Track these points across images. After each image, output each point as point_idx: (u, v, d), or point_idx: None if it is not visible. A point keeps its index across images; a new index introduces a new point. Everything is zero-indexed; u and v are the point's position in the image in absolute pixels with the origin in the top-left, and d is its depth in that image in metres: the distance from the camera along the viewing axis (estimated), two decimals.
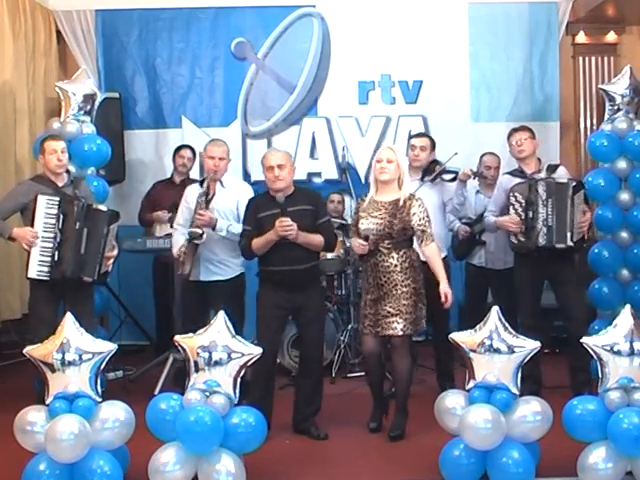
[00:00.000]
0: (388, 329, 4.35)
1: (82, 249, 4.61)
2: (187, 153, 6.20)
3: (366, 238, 4.34)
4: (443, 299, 4.35)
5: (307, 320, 4.48)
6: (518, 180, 4.94)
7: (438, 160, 5.17)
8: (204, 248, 4.75)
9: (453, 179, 5.13)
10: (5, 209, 4.73)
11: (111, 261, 4.80)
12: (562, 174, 4.99)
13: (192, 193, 4.87)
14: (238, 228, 4.63)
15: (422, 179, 5.09)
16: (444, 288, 4.36)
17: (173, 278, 5.32)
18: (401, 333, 4.34)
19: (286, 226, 4.25)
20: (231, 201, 4.79)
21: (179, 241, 4.81)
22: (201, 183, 4.89)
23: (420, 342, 5.48)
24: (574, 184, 4.82)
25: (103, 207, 4.82)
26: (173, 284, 5.36)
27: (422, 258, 4.51)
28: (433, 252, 4.40)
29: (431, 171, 5.10)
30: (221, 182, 4.83)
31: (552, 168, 5.02)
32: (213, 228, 4.67)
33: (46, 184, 4.73)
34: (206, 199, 4.71)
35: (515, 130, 5.13)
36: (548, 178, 4.87)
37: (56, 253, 4.59)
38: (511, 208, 4.85)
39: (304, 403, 4.53)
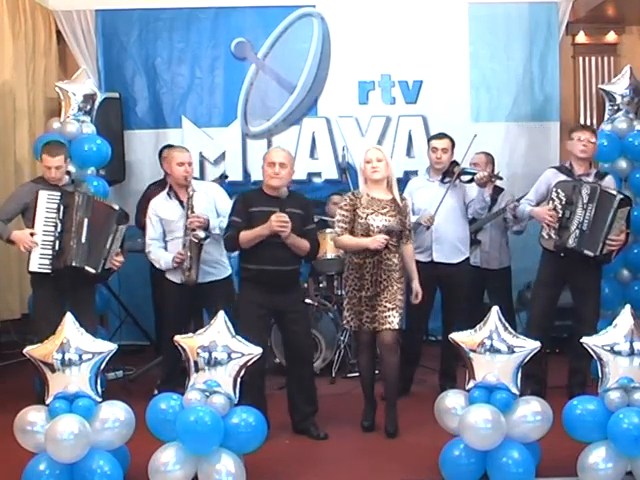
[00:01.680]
0: (385, 323, 4.41)
1: (83, 238, 4.63)
2: None
3: (388, 233, 4.38)
4: (414, 297, 4.62)
5: (292, 322, 4.46)
6: (563, 176, 4.89)
7: (457, 161, 5.13)
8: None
9: (470, 180, 5.10)
10: (8, 211, 4.75)
11: (118, 264, 4.81)
12: (609, 182, 4.92)
13: (161, 204, 4.90)
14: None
15: (442, 180, 5.07)
16: (417, 287, 4.61)
17: None
18: (397, 327, 4.42)
19: (283, 222, 4.24)
20: (207, 200, 4.82)
21: (162, 253, 4.84)
22: (169, 193, 4.89)
23: (422, 342, 5.47)
24: (622, 197, 4.73)
25: (115, 205, 4.86)
26: None
27: (416, 257, 4.72)
28: (411, 252, 4.67)
29: (451, 172, 5.07)
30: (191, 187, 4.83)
31: (601, 175, 4.96)
32: (206, 228, 4.68)
33: (47, 184, 4.75)
34: (189, 205, 4.72)
35: (584, 128, 5.08)
36: (594, 183, 4.80)
37: (57, 243, 4.61)
38: (550, 203, 4.80)
39: (301, 404, 4.53)
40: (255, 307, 4.36)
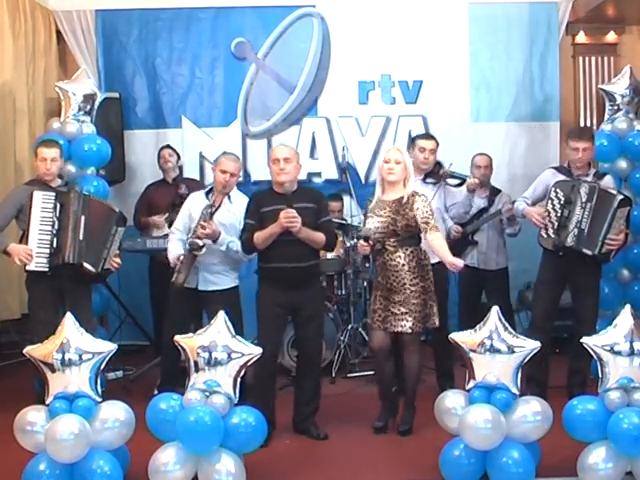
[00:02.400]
0: (397, 326, 4.40)
1: (81, 235, 4.62)
2: (166, 151, 6.23)
3: (366, 239, 4.37)
4: (452, 267, 4.34)
5: (304, 318, 4.46)
6: (562, 177, 4.88)
7: (441, 162, 5.14)
8: (204, 258, 4.72)
9: (459, 184, 5.09)
10: (5, 215, 4.72)
11: (116, 265, 4.82)
12: (608, 182, 4.91)
13: (196, 201, 4.85)
14: (238, 245, 4.62)
15: (424, 180, 5.07)
16: (450, 260, 4.31)
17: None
18: (410, 331, 4.39)
19: (291, 217, 4.24)
20: (236, 217, 4.73)
21: (176, 247, 4.80)
22: (207, 193, 4.85)
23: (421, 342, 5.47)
24: (622, 198, 4.70)
25: (115, 207, 4.88)
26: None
27: (433, 260, 4.56)
28: (437, 238, 4.38)
29: (435, 173, 5.07)
30: (229, 197, 4.81)
31: (600, 175, 4.95)
32: (215, 241, 4.65)
33: (40, 185, 4.75)
34: (211, 212, 4.68)
35: (580, 136, 4.86)
36: (593, 182, 4.79)
37: (54, 240, 4.61)
38: (549, 202, 4.79)
39: (303, 403, 4.53)
40: (272, 306, 4.38)
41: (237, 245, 4.65)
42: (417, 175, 5.10)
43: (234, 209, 4.78)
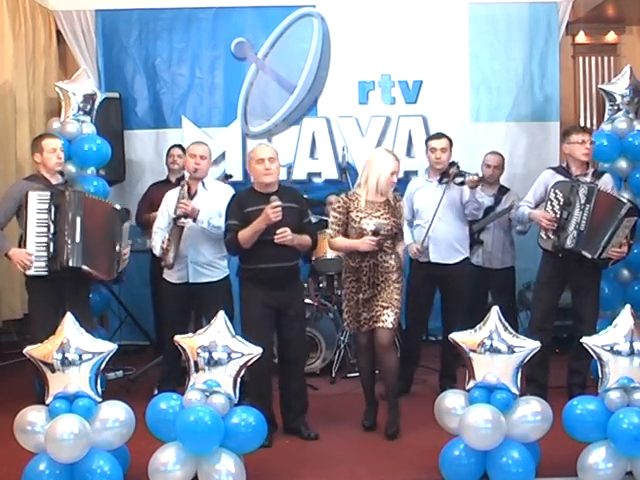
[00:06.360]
0: (379, 322, 4.39)
1: (77, 237, 4.56)
2: (176, 151, 6.19)
3: (375, 234, 4.34)
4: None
5: (290, 318, 4.43)
6: (561, 177, 4.88)
7: (454, 162, 5.11)
8: (191, 249, 4.75)
9: (462, 183, 5.08)
10: (4, 212, 4.67)
11: (125, 257, 4.81)
12: (606, 181, 4.90)
13: (172, 197, 4.86)
14: (219, 221, 4.61)
15: (440, 181, 5.03)
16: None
17: None
18: (390, 326, 4.39)
19: (277, 211, 4.19)
20: (216, 203, 4.73)
21: (159, 242, 4.80)
22: (182, 186, 4.84)
23: (421, 342, 5.47)
24: (630, 206, 4.68)
25: (116, 205, 4.83)
26: None
27: (421, 259, 4.67)
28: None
29: (448, 173, 5.05)
30: (203, 183, 4.83)
31: (598, 174, 4.95)
32: (194, 220, 4.66)
33: (40, 182, 4.71)
34: (188, 192, 4.72)
35: (583, 130, 4.96)
36: (592, 183, 4.79)
37: (52, 244, 4.55)
38: (548, 204, 4.78)
39: (292, 403, 4.51)
40: (260, 307, 4.34)
41: (219, 221, 4.62)
42: (433, 177, 5.11)
43: (211, 196, 4.79)
